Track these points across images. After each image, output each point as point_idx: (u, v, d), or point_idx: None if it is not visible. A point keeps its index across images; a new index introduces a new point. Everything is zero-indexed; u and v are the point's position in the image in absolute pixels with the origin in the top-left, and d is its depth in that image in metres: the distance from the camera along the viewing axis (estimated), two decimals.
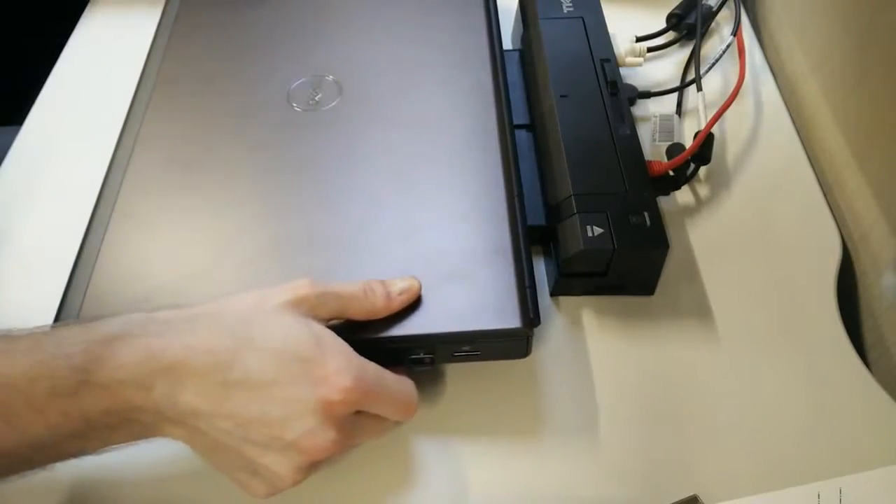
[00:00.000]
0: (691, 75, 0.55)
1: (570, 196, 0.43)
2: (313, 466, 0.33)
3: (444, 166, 0.43)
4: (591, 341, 0.44)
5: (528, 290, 0.38)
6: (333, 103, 0.47)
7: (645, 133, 0.54)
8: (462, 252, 0.39)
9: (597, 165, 0.44)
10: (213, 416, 0.31)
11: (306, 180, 0.43)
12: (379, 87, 0.48)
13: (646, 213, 0.42)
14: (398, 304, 0.37)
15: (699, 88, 0.53)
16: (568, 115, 0.47)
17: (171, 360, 0.31)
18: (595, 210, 0.42)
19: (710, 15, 0.60)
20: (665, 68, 0.59)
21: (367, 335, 0.37)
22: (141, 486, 0.38)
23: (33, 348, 0.31)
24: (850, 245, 0.49)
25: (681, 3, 0.61)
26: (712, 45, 0.60)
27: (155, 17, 0.54)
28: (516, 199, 0.42)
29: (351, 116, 0.46)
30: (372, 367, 0.34)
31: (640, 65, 0.56)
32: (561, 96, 0.48)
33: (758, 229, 0.49)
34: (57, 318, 0.38)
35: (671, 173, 0.49)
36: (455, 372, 0.42)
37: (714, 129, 0.49)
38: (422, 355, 0.38)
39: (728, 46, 0.55)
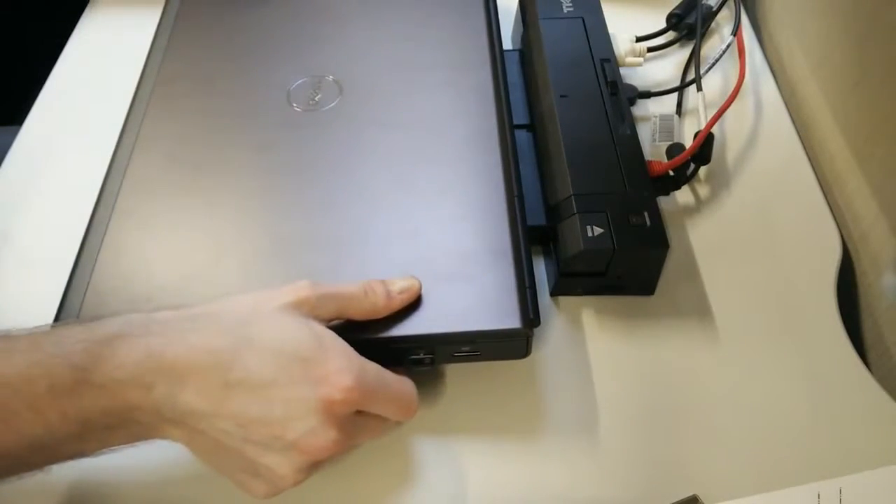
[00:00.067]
0: (691, 75, 0.55)
1: (570, 196, 0.43)
2: (314, 466, 0.33)
3: (444, 166, 0.43)
4: (591, 341, 0.44)
5: (527, 291, 0.38)
6: (333, 103, 0.47)
7: (645, 133, 0.54)
8: (462, 252, 0.39)
9: (597, 165, 0.44)
10: (214, 416, 0.31)
11: (306, 180, 0.43)
12: (379, 87, 0.48)
13: (646, 213, 0.42)
14: (398, 303, 0.37)
15: (699, 88, 0.53)
16: (568, 115, 0.47)
17: (172, 359, 0.31)
18: (595, 210, 0.42)
19: (710, 15, 0.60)
20: (665, 68, 0.59)
21: (368, 335, 0.37)
22: (140, 489, 0.38)
23: (32, 348, 0.31)
24: (850, 245, 0.49)
25: (681, 3, 0.61)
26: (712, 45, 0.60)
27: (155, 17, 0.54)
28: (516, 200, 0.42)
29: (351, 116, 0.46)
30: (373, 367, 0.34)
31: (640, 65, 0.56)
32: (561, 96, 0.48)
33: (758, 229, 0.49)
34: (57, 318, 0.38)
35: (671, 173, 0.49)
36: (455, 372, 0.42)
37: (714, 129, 0.49)
38: (422, 355, 0.38)
39: (728, 46, 0.55)
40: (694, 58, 0.56)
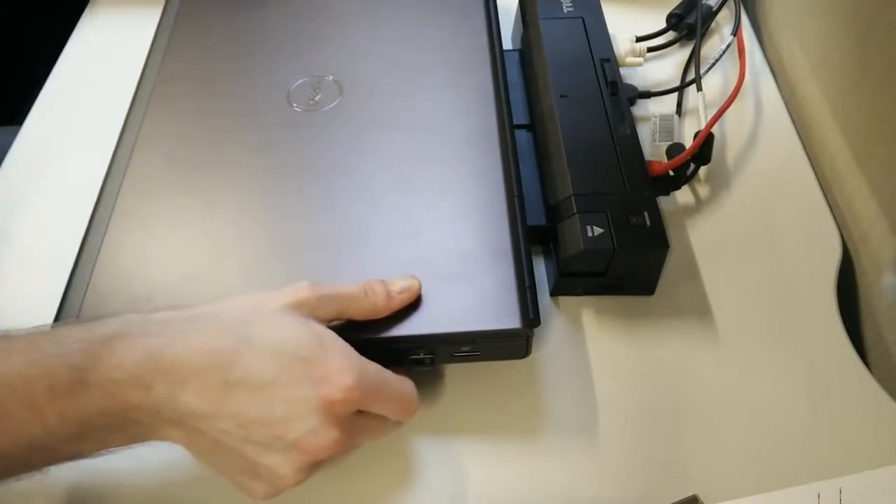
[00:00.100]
0: (691, 75, 0.55)
1: (570, 196, 0.43)
2: (315, 466, 0.33)
3: (444, 166, 0.43)
4: (591, 341, 0.44)
5: (528, 291, 0.38)
6: (333, 103, 0.47)
7: (645, 133, 0.54)
8: (462, 252, 0.39)
9: (597, 165, 0.44)
10: (214, 417, 0.31)
11: (306, 180, 0.43)
12: (379, 87, 0.48)
13: (646, 213, 0.42)
14: (398, 302, 0.37)
15: (699, 88, 0.53)
16: (568, 115, 0.47)
17: (172, 360, 0.31)
18: (595, 210, 0.42)
19: (710, 15, 0.60)
20: (665, 68, 0.59)
21: (368, 335, 0.37)
22: (138, 491, 0.38)
23: (31, 348, 0.30)
24: (850, 245, 0.49)
25: (681, 3, 0.61)
26: (712, 45, 0.60)
27: (155, 17, 0.54)
28: (516, 200, 0.42)
29: (351, 116, 0.46)
30: (373, 367, 0.34)
31: (640, 65, 0.56)
32: (561, 96, 0.48)
33: (758, 229, 0.49)
34: (57, 318, 0.38)
35: (671, 173, 0.49)
36: (455, 372, 0.42)
37: (714, 129, 0.49)
38: (422, 355, 0.38)
39: (728, 46, 0.55)
40: (694, 58, 0.56)
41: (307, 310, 0.34)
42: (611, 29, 0.53)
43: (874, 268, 0.47)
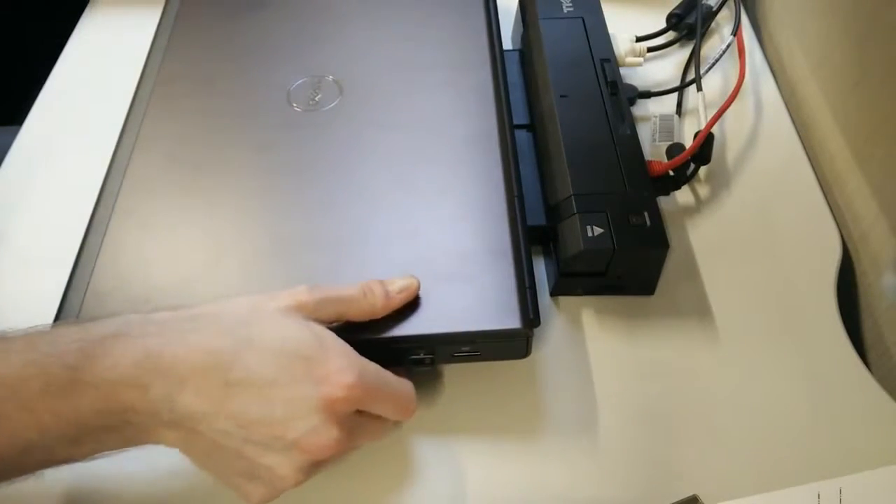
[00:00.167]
0: (691, 75, 0.55)
1: (570, 196, 0.43)
2: (315, 466, 0.33)
3: (444, 166, 0.43)
4: (591, 341, 0.44)
5: (527, 291, 0.38)
6: (333, 103, 0.47)
7: (645, 133, 0.54)
8: (462, 252, 0.39)
9: (597, 165, 0.44)
10: (214, 417, 0.31)
11: (306, 180, 0.43)
12: (379, 88, 0.48)
13: (646, 213, 0.42)
14: (397, 302, 0.37)
15: (699, 88, 0.53)
16: (568, 115, 0.47)
17: (171, 360, 0.31)
18: (595, 210, 0.42)
19: (710, 15, 0.60)
20: (665, 68, 0.59)
21: (368, 336, 0.37)
22: (137, 494, 0.38)
23: (27, 348, 0.30)
24: (850, 245, 0.49)
25: (681, 3, 0.61)
26: (712, 45, 0.60)
27: (155, 17, 0.54)
28: (516, 200, 0.42)
29: (351, 116, 0.46)
30: (373, 367, 0.34)
31: (640, 65, 0.56)
32: (561, 96, 0.48)
33: (758, 229, 0.49)
34: (57, 318, 0.38)
35: (671, 173, 0.49)
36: (455, 372, 0.42)
37: (714, 129, 0.49)
38: (422, 356, 0.38)
39: (728, 46, 0.55)
40: (694, 58, 0.56)
41: (306, 313, 0.34)
42: (611, 29, 0.53)
43: (874, 268, 0.47)
